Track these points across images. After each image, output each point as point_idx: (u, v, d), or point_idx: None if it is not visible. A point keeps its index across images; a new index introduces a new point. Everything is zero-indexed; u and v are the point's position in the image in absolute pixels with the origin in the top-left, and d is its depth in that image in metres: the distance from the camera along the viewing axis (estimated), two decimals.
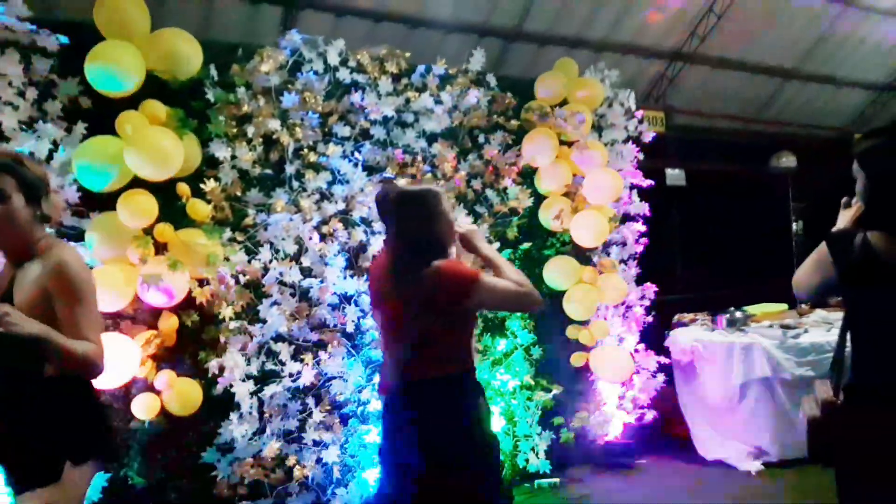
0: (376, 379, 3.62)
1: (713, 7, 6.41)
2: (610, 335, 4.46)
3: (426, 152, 3.95)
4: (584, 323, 4.39)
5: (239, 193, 3.41)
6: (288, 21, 5.00)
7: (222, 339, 3.29)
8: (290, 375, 3.44)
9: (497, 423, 4.03)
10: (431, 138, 3.96)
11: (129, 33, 3.06)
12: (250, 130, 3.43)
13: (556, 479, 4.20)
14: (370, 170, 3.76)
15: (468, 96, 4.03)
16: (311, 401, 3.50)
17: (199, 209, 3.22)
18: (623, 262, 4.62)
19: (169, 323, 3.19)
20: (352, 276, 3.61)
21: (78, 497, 1.94)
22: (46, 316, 1.84)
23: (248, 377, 3.34)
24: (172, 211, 3.18)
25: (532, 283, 2.21)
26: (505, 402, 4.16)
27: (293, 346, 3.47)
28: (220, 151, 3.34)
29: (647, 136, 4.71)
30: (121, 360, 2.94)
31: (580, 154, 4.27)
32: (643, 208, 4.66)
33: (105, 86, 3.00)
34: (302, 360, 3.46)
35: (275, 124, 3.46)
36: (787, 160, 7.96)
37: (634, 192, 4.67)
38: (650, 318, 4.68)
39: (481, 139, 4.19)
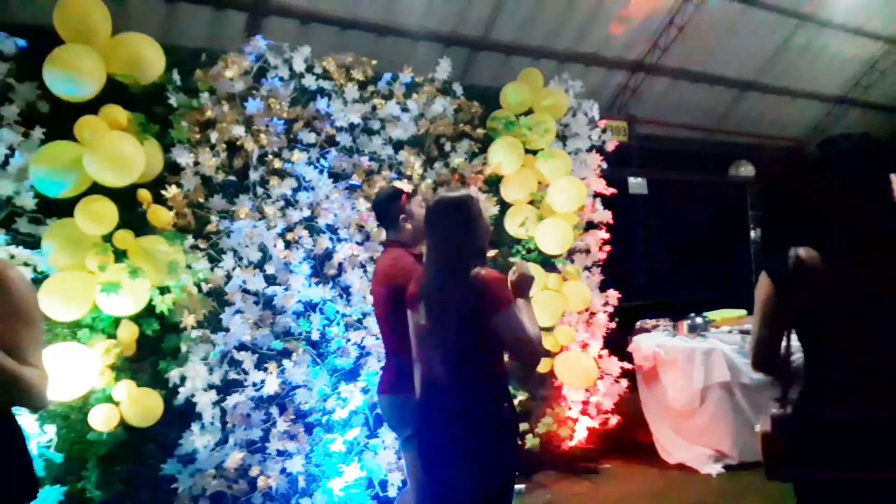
0: (342, 387, 3.61)
1: (674, 20, 6.56)
2: (574, 341, 4.51)
3: (392, 159, 3.95)
4: (550, 329, 4.43)
5: (202, 200, 3.36)
6: (253, 27, 4.96)
7: (184, 348, 3.24)
8: (254, 385, 3.40)
9: None
10: (398, 146, 3.97)
11: (90, 37, 3.00)
12: (214, 136, 3.39)
13: (522, 486, 4.21)
14: (336, 177, 3.75)
15: (434, 104, 4.05)
16: (275, 410, 3.45)
17: (161, 216, 3.17)
18: (587, 269, 4.68)
19: (129, 332, 3.12)
20: (317, 284, 3.58)
21: None
22: None
23: (211, 387, 3.28)
24: (133, 218, 3.13)
25: None
26: None
27: (257, 355, 3.42)
28: (183, 157, 3.30)
29: (611, 146, 4.79)
30: (79, 371, 2.88)
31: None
32: (606, 216, 4.73)
33: (64, 90, 2.94)
34: (266, 369, 3.42)
35: (239, 130, 3.42)
36: (746, 170, 8.17)
37: (598, 200, 4.74)
38: (613, 325, 4.75)
39: (448, 147, 4.21)
